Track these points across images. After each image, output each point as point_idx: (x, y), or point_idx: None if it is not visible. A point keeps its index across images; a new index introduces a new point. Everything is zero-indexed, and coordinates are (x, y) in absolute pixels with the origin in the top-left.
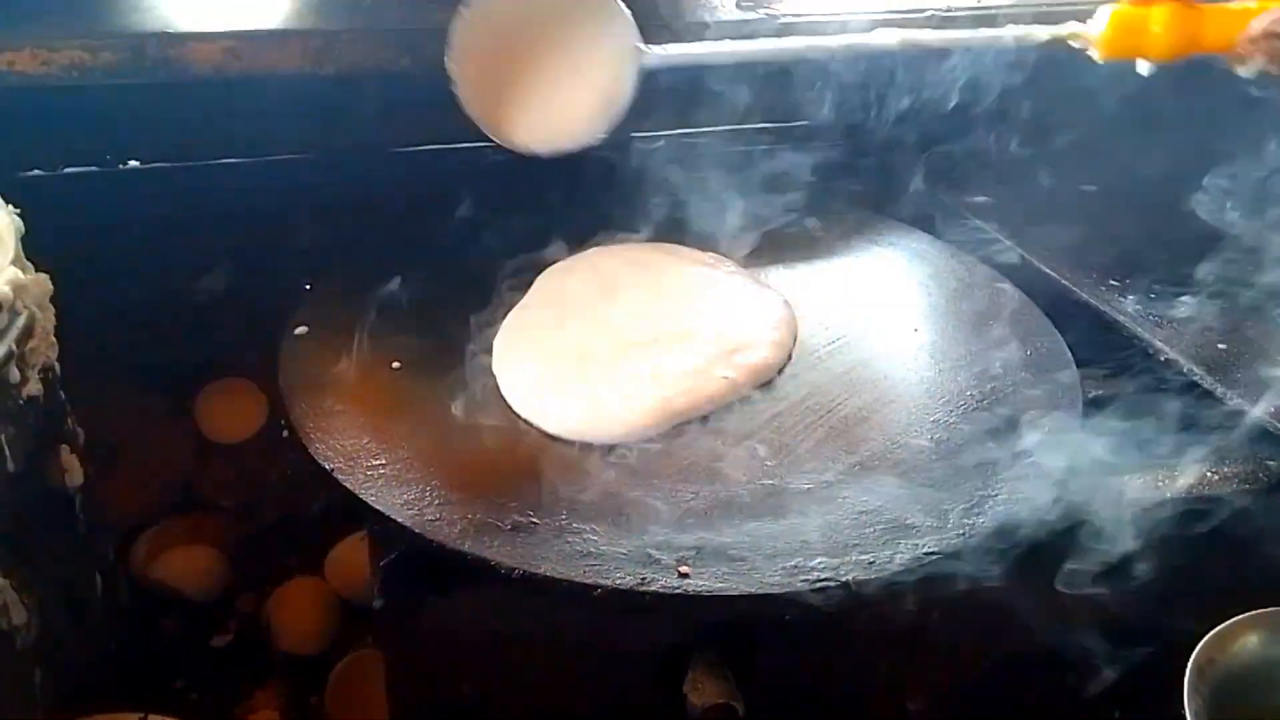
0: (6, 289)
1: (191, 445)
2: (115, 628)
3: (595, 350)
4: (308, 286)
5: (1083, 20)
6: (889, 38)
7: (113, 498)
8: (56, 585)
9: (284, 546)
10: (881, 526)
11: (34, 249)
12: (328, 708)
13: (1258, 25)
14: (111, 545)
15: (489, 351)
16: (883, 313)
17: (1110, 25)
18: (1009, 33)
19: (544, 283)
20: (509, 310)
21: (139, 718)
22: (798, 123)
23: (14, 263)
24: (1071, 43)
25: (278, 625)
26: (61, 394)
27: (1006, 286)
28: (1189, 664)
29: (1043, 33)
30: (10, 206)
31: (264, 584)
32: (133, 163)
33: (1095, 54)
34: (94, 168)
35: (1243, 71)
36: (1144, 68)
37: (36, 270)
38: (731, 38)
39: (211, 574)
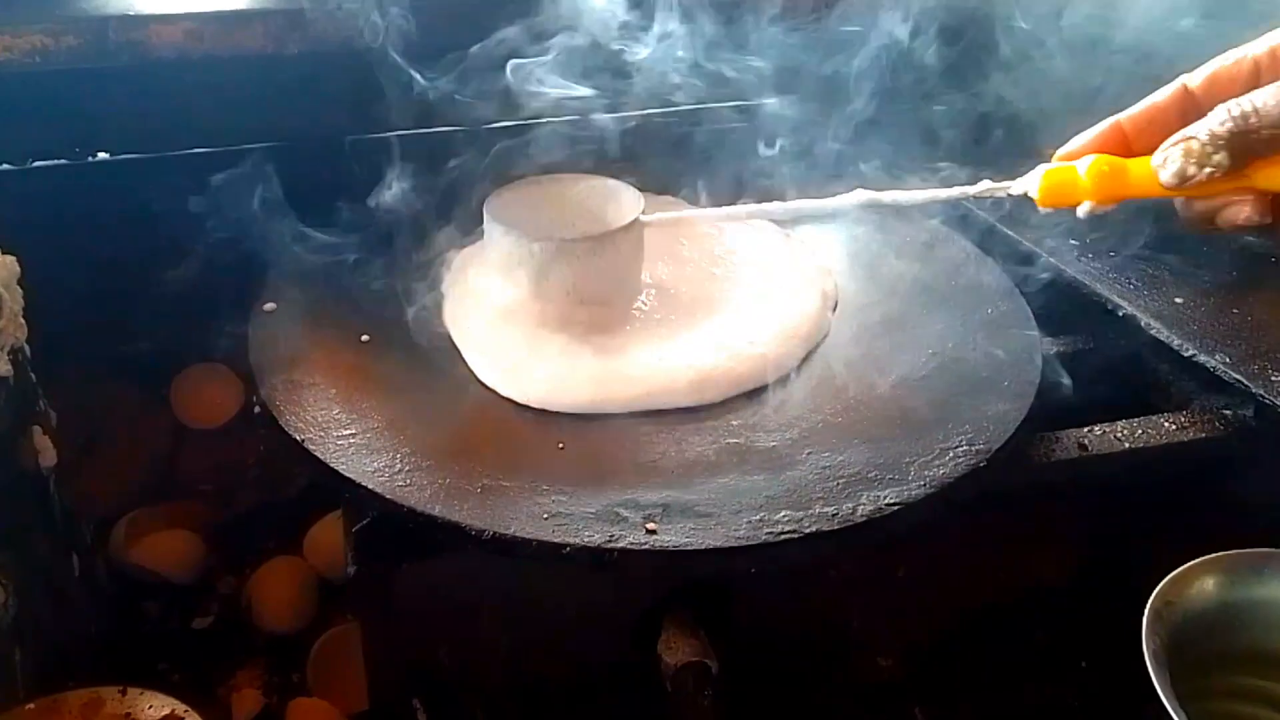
0: None
1: (168, 430)
2: (95, 610)
3: (563, 317)
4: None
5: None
6: (857, 198)
7: (90, 483)
8: (34, 566)
9: (262, 528)
10: (844, 480)
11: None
12: (309, 683)
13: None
14: (88, 527)
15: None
16: (844, 274)
17: (1044, 181)
18: (955, 192)
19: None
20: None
21: (118, 689)
22: None
23: None
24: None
25: (258, 605)
26: (32, 376)
27: (967, 245)
28: (1146, 607)
29: (985, 187)
30: None
31: (243, 565)
32: (102, 154)
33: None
34: (62, 160)
35: (1163, 176)
36: (1083, 210)
37: (4, 253)
38: None
39: (191, 557)
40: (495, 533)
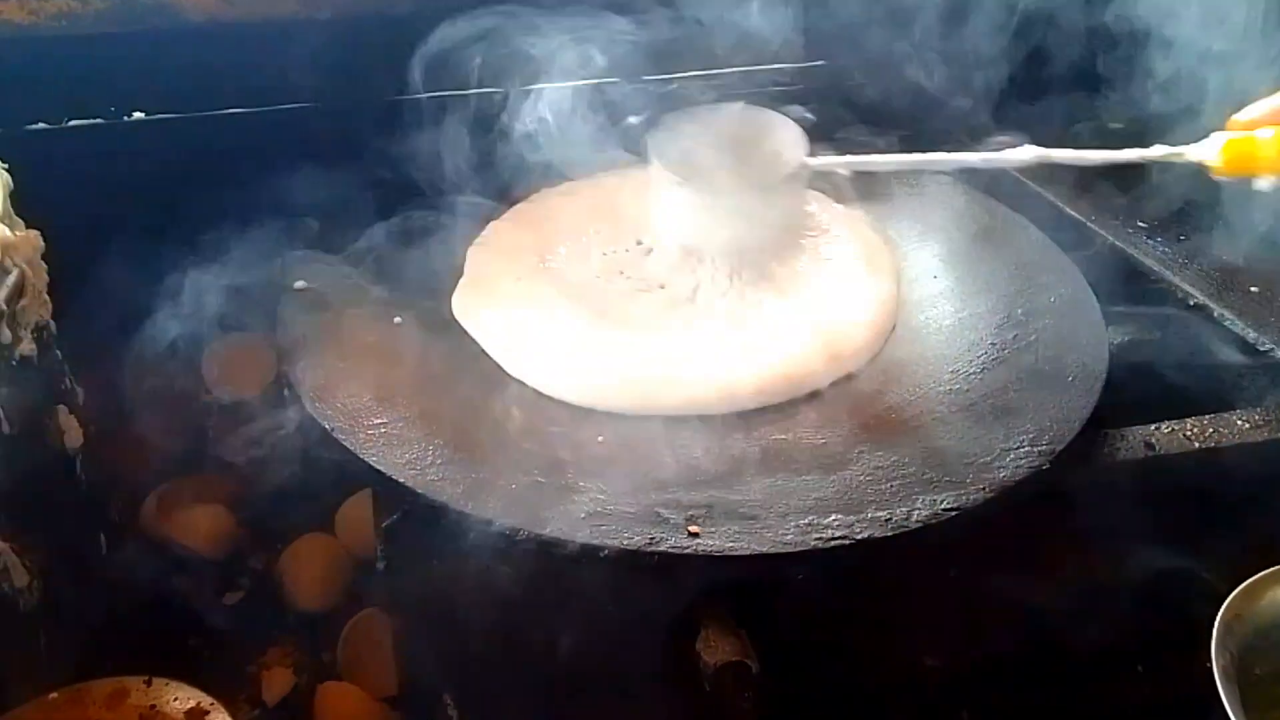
0: None
1: (200, 401)
2: (123, 588)
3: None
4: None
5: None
6: (1025, 155)
7: (121, 455)
8: (59, 547)
9: (294, 503)
10: (898, 482)
11: (37, 204)
12: (340, 664)
13: None
14: (116, 505)
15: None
16: (902, 260)
17: (1224, 151)
18: (1132, 154)
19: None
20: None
21: (143, 680)
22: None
23: (2, 220)
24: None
25: (289, 583)
26: (58, 353)
27: (1031, 230)
28: (1216, 619)
29: (1161, 152)
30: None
31: (274, 541)
32: (138, 114)
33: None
34: (99, 120)
35: None
36: (1264, 184)
37: (27, 227)
38: None
39: (222, 532)
40: (531, 533)
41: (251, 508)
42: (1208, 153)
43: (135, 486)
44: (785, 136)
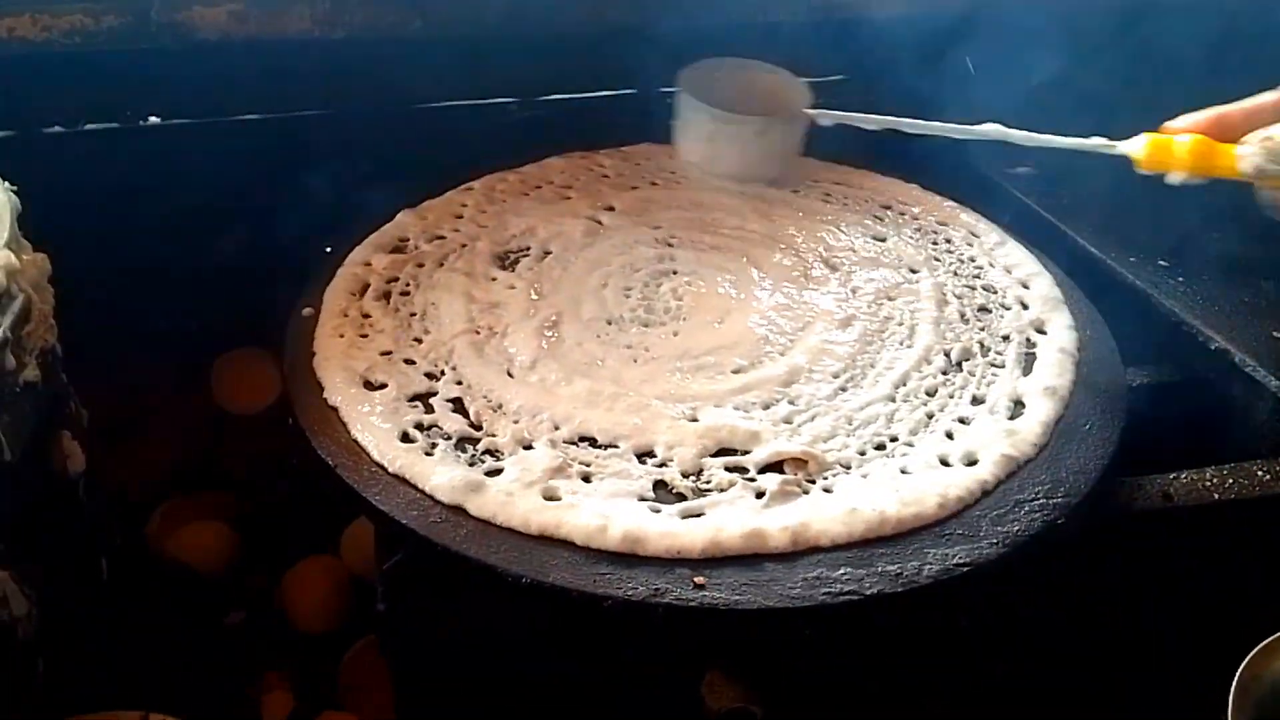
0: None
1: (206, 417)
2: (125, 611)
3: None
4: (328, 250)
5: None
6: (987, 131)
7: (125, 473)
8: (59, 574)
9: (298, 523)
10: (909, 532)
11: (47, 215)
12: (340, 692)
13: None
14: (118, 528)
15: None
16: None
17: (1146, 147)
18: (1072, 141)
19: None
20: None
21: (140, 716)
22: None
23: (8, 244)
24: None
25: (291, 605)
26: (63, 377)
27: (1049, 266)
28: (1234, 678)
29: (1097, 143)
30: (6, 184)
31: (277, 561)
32: (153, 119)
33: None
34: (113, 124)
35: (1242, 165)
36: (1173, 178)
37: (36, 248)
38: None
39: (225, 551)
40: (533, 580)
41: (256, 526)
42: (1134, 148)
43: (140, 507)
44: (793, 90)
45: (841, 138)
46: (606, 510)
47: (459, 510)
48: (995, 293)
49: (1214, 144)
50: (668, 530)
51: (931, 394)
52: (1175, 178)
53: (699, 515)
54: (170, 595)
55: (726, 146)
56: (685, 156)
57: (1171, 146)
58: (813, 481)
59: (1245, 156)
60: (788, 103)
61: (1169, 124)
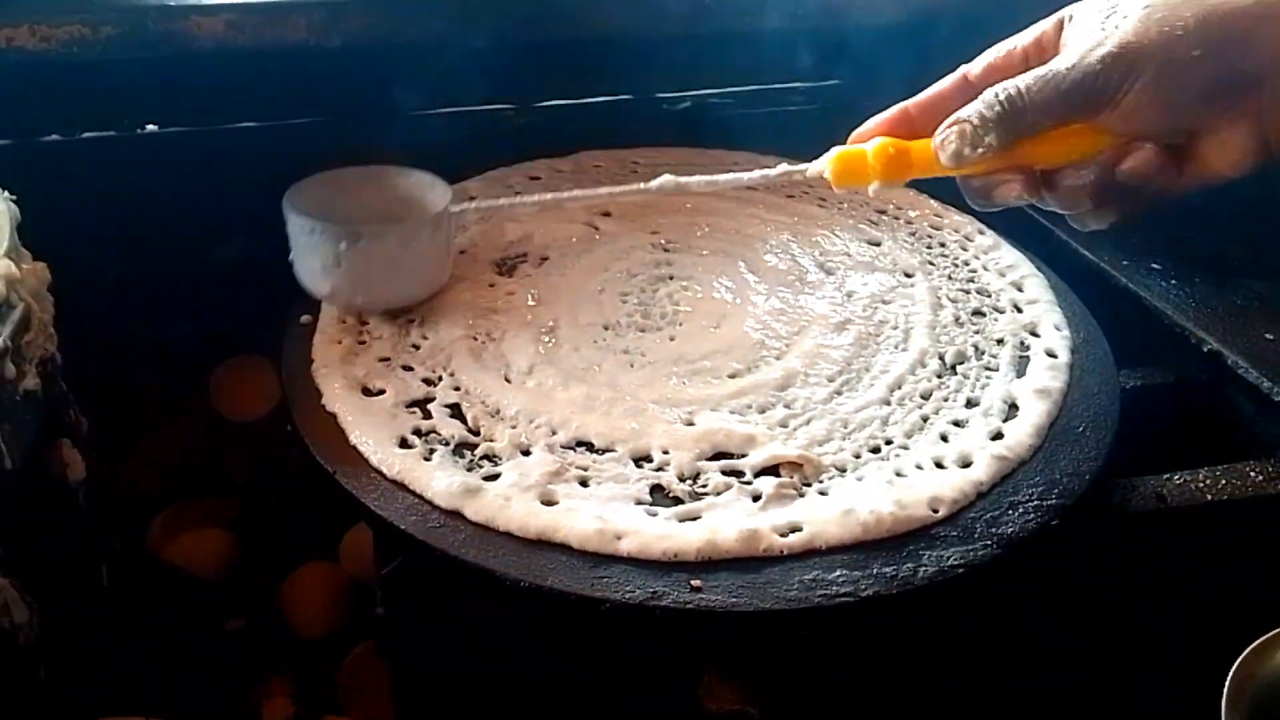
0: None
1: (206, 425)
2: (125, 617)
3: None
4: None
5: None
6: (662, 183)
7: (125, 480)
8: (60, 581)
9: (297, 529)
10: (905, 534)
11: (46, 224)
12: (340, 697)
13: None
14: (119, 536)
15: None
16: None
17: (834, 163)
18: (754, 174)
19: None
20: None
21: None
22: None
23: (8, 253)
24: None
25: (291, 611)
26: (63, 385)
27: (1040, 267)
28: (1227, 678)
29: (783, 170)
30: (5, 193)
31: (278, 566)
32: (150, 127)
33: (830, 183)
34: (111, 133)
35: (942, 156)
36: (872, 189)
37: (36, 257)
38: None
39: (225, 557)
40: (531, 584)
41: (256, 532)
42: (822, 166)
43: (140, 513)
44: (430, 190)
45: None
46: (604, 514)
47: (457, 515)
48: (989, 296)
49: (905, 143)
50: (664, 533)
51: (926, 397)
52: (874, 188)
53: (695, 519)
54: (170, 601)
55: (364, 267)
56: (314, 290)
57: (864, 156)
58: (808, 484)
59: (942, 146)
60: (427, 205)
61: (856, 131)
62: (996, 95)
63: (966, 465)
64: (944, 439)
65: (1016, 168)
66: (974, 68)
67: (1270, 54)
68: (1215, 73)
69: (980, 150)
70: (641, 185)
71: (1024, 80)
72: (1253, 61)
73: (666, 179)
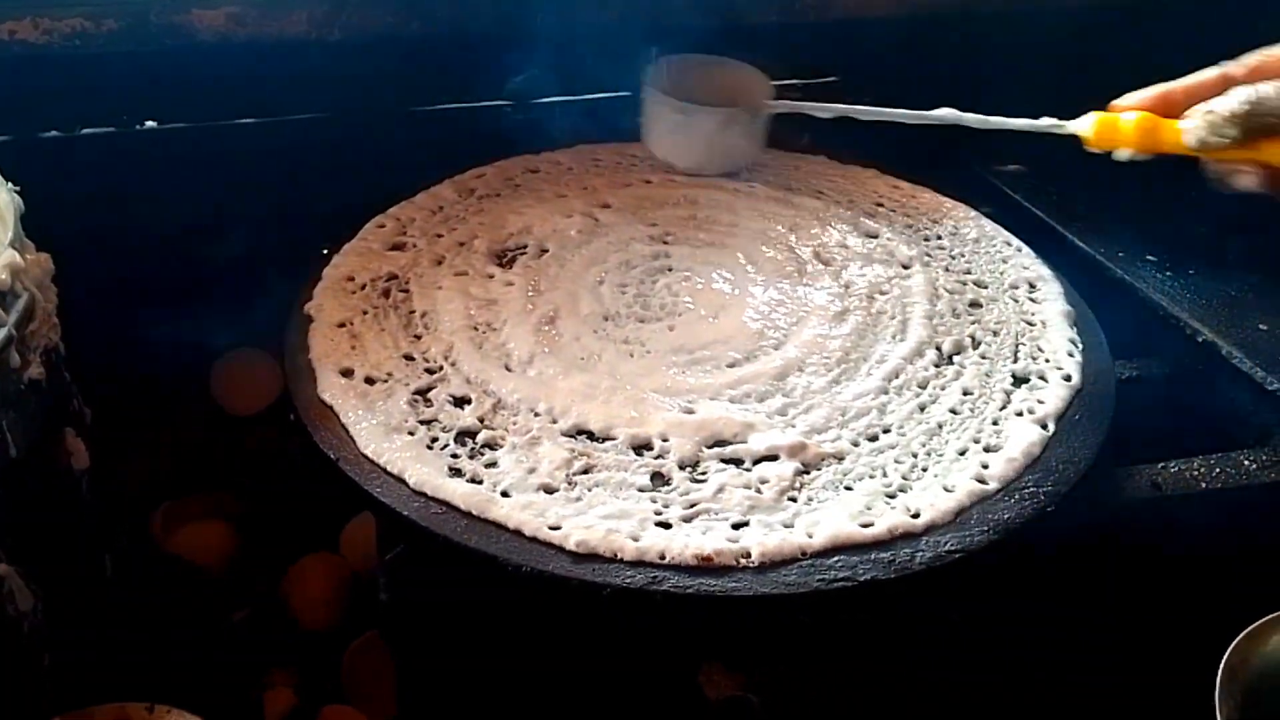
0: (4, 274)
1: (207, 418)
2: (129, 607)
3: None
4: (324, 252)
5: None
6: (942, 116)
7: (128, 473)
8: (64, 569)
9: (299, 520)
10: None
11: (48, 217)
12: (344, 686)
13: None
14: (123, 527)
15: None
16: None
17: (1096, 125)
18: (1023, 122)
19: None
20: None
21: (145, 707)
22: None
23: (13, 243)
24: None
25: (293, 602)
26: (66, 375)
27: (1035, 259)
28: (1221, 664)
29: (1047, 123)
30: (9, 185)
31: (279, 558)
32: (150, 123)
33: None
34: (111, 128)
35: (1187, 139)
36: (1121, 154)
37: (38, 249)
38: None
39: (227, 549)
40: (533, 569)
41: (258, 524)
42: (1082, 126)
43: (142, 506)
44: (755, 84)
45: (838, 137)
46: (605, 501)
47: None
48: (985, 288)
49: (1159, 120)
50: (665, 519)
51: (923, 386)
52: (1123, 154)
53: (695, 504)
54: (174, 593)
55: (691, 138)
56: (652, 150)
57: (1118, 124)
58: (806, 472)
59: (1189, 130)
60: (751, 96)
61: (1116, 102)
62: (1247, 95)
63: (962, 453)
64: (940, 428)
65: (1255, 161)
66: (1236, 67)
67: None
68: None
69: (1221, 140)
70: (925, 112)
71: (1271, 86)
72: None
73: (947, 111)
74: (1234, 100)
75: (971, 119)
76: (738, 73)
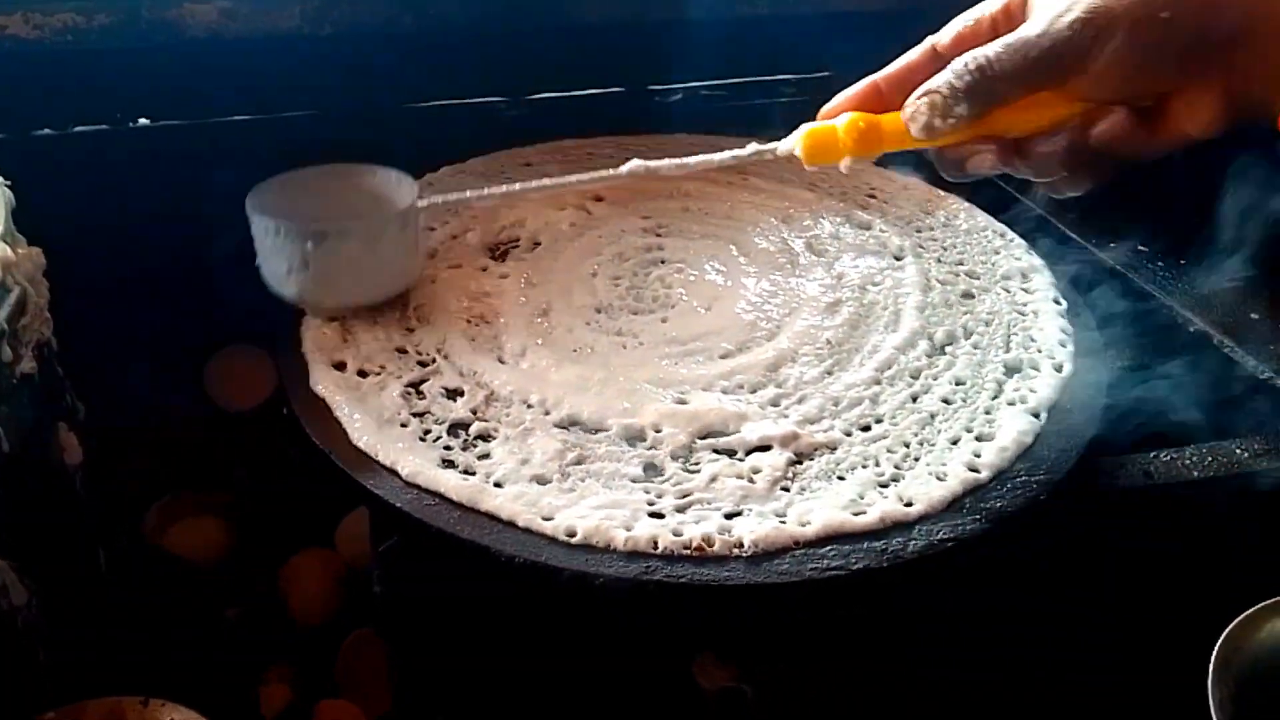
0: None
1: (201, 414)
2: (124, 604)
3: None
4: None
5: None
6: (631, 168)
7: (122, 469)
8: (59, 566)
9: (293, 516)
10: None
11: (39, 214)
12: (339, 681)
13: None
14: (117, 522)
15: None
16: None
17: (804, 140)
18: (724, 155)
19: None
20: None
21: (139, 701)
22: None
23: (3, 237)
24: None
25: (289, 598)
26: (59, 370)
27: (1027, 251)
28: (1214, 651)
29: (753, 149)
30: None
31: (274, 554)
32: (142, 120)
33: (801, 162)
34: (103, 126)
35: (913, 129)
36: (844, 165)
37: (30, 244)
38: None
39: (222, 545)
40: (526, 560)
41: (253, 520)
42: (792, 144)
43: (136, 502)
44: (398, 187)
45: None
46: (597, 491)
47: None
48: (978, 278)
49: (875, 117)
50: (658, 509)
51: (916, 376)
52: (845, 164)
53: (688, 495)
54: (168, 589)
55: (331, 267)
56: (282, 293)
57: (834, 132)
58: (799, 462)
59: (912, 119)
60: (394, 201)
61: (824, 108)
62: (966, 65)
63: (955, 442)
64: (932, 418)
65: (988, 137)
66: (942, 38)
67: (1241, 14)
68: (1186, 34)
69: (951, 121)
70: (610, 171)
71: (993, 49)
72: (1224, 22)
73: (636, 163)
74: (953, 74)
75: (663, 165)
76: (369, 179)
